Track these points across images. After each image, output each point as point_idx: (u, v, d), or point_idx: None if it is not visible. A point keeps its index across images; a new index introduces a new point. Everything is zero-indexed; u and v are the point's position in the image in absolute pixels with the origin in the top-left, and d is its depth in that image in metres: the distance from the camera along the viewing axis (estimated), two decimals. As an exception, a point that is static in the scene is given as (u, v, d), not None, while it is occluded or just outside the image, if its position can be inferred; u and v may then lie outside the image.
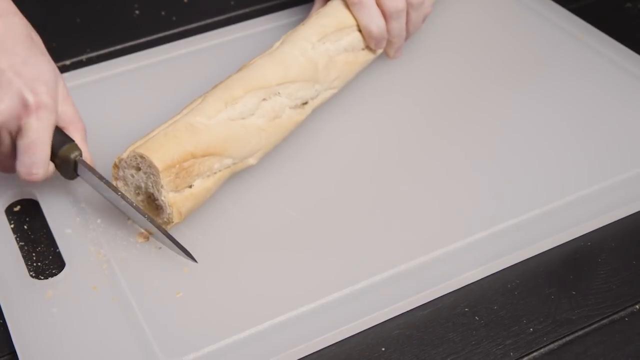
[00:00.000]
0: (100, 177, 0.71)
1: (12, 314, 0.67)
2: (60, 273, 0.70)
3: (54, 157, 0.72)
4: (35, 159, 0.70)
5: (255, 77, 0.76)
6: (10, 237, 0.74)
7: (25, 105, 0.68)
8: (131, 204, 0.70)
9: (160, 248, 0.72)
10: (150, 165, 0.69)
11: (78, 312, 0.67)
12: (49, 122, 0.70)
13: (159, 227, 0.70)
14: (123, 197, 0.70)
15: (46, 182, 0.78)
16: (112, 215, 0.75)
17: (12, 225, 0.76)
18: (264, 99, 0.76)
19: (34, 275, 0.71)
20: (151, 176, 0.69)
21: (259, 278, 0.70)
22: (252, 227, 0.74)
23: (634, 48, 0.94)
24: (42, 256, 0.73)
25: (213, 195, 0.75)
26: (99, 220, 0.74)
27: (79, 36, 0.99)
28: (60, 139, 0.72)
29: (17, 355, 0.64)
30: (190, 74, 0.91)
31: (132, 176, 0.71)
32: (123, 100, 0.88)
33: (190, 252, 0.71)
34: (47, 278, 0.71)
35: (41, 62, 0.70)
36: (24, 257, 0.72)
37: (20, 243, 0.74)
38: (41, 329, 0.66)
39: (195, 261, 0.70)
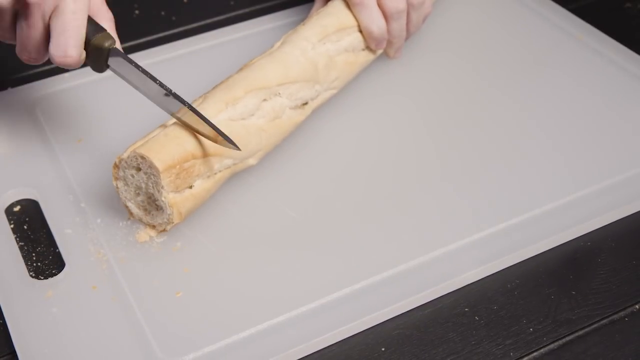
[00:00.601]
0: (136, 65, 0.71)
1: (12, 313, 0.67)
2: (60, 273, 0.70)
3: (86, 46, 0.70)
4: (72, 40, 0.68)
5: (255, 77, 0.76)
6: (10, 237, 0.74)
7: None
8: (169, 91, 0.69)
9: (160, 248, 0.72)
10: (151, 166, 0.69)
11: (78, 311, 0.67)
12: (85, 3, 0.69)
13: (199, 115, 0.69)
14: (161, 84, 0.70)
15: (46, 182, 0.78)
16: (112, 215, 0.75)
17: (12, 225, 0.76)
18: (265, 100, 0.76)
19: (33, 275, 0.71)
20: (152, 177, 0.69)
21: (258, 278, 0.70)
22: (251, 227, 0.74)
23: (634, 48, 0.94)
24: (42, 256, 0.73)
25: (213, 196, 0.75)
26: (98, 220, 0.74)
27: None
28: (93, 27, 0.70)
29: (17, 355, 0.64)
30: (190, 74, 0.91)
31: (133, 176, 0.71)
32: (123, 100, 0.88)
33: (190, 252, 0.71)
34: (47, 278, 0.71)
35: None
36: (23, 257, 0.72)
37: (20, 243, 0.74)
38: (41, 328, 0.66)
39: (239, 149, 0.71)
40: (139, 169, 0.70)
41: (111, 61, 0.72)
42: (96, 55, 0.71)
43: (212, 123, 0.70)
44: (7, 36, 0.71)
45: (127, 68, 0.71)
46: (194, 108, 0.70)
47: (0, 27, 0.70)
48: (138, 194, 0.72)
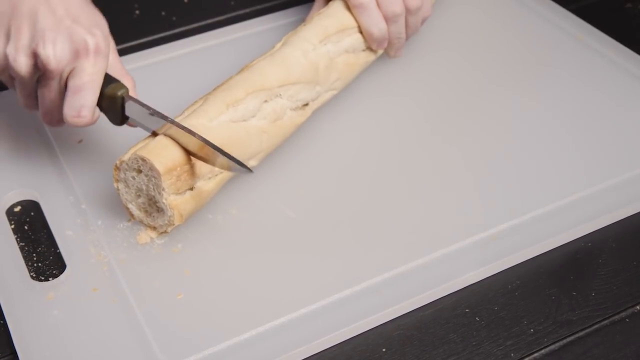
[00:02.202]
0: (152, 111, 0.71)
1: (13, 315, 0.67)
2: (61, 274, 0.70)
3: (101, 98, 0.71)
4: (85, 101, 0.69)
5: (256, 78, 0.76)
6: (11, 238, 0.74)
7: (84, 48, 0.68)
8: (189, 131, 0.69)
9: (161, 250, 0.72)
10: (152, 168, 0.69)
11: (79, 313, 0.67)
12: (103, 67, 0.70)
13: (214, 147, 0.69)
14: (178, 125, 0.69)
15: (47, 183, 0.78)
16: (113, 217, 0.75)
17: (13, 226, 0.76)
18: (265, 101, 0.76)
19: (34, 276, 0.71)
20: (152, 179, 0.69)
21: (259, 279, 0.70)
22: (252, 228, 0.74)
23: (634, 48, 0.94)
24: (43, 257, 0.73)
25: (214, 197, 0.75)
26: (99, 222, 0.74)
27: (79, 36, 0.99)
28: (108, 80, 0.71)
29: (17, 356, 0.64)
30: (191, 75, 0.91)
31: (133, 178, 0.71)
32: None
33: (191, 252, 0.71)
34: (47, 279, 0.71)
35: (95, 13, 0.72)
36: (24, 258, 0.72)
37: (21, 244, 0.74)
38: (42, 330, 0.66)
39: (251, 171, 0.71)
40: (139, 171, 0.70)
41: (128, 109, 0.72)
42: (112, 107, 0.71)
43: (231, 156, 0.70)
44: (31, 104, 0.73)
45: (142, 114, 0.71)
46: (213, 144, 0.69)
47: (23, 95, 0.72)
48: (139, 196, 0.72)
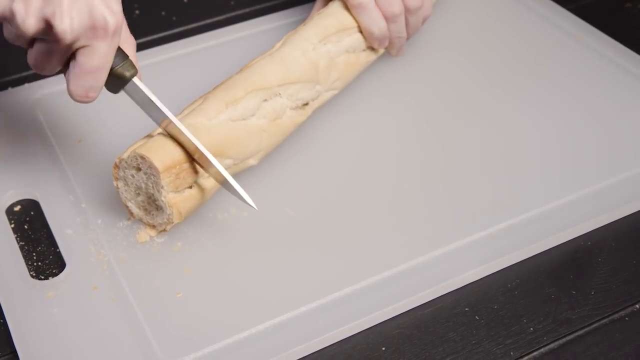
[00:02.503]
0: (152, 101, 0.69)
1: (13, 313, 0.67)
2: (61, 273, 0.70)
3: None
4: (95, 83, 0.66)
5: (256, 78, 0.76)
6: (11, 237, 0.74)
7: (103, 27, 0.63)
8: (185, 131, 0.68)
9: (160, 248, 0.72)
10: (151, 166, 0.69)
11: (79, 312, 0.67)
12: (117, 46, 0.66)
13: (216, 164, 0.69)
14: (172, 119, 0.69)
15: (47, 182, 0.78)
16: (113, 215, 0.75)
17: (13, 225, 0.76)
18: (265, 100, 0.76)
19: (34, 275, 0.71)
20: (151, 177, 0.69)
21: (259, 278, 0.70)
22: (252, 227, 0.74)
23: (634, 48, 0.94)
24: (43, 256, 0.73)
25: (213, 195, 0.75)
26: (99, 221, 0.74)
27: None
28: (118, 55, 0.68)
29: (17, 355, 0.64)
30: (191, 74, 0.91)
31: (133, 176, 0.71)
32: (123, 101, 0.88)
33: (190, 250, 0.71)
34: (47, 278, 0.71)
35: None
36: (24, 257, 0.72)
37: (21, 243, 0.74)
38: (42, 328, 0.66)
39: (255, 207, 0.70)
40: (139, 169, 0.70)
41: (129, 88, 0.70)
42: (115, 81, 0.69)
43: (222, 168, 0.69)
44: (21, 43, 0.67)
45: (142, 97, 0.70)
46: (206, 151, 0.69)
47: (15, 37, 0.66)
48: (138, 194, 0.72)
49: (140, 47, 0.96)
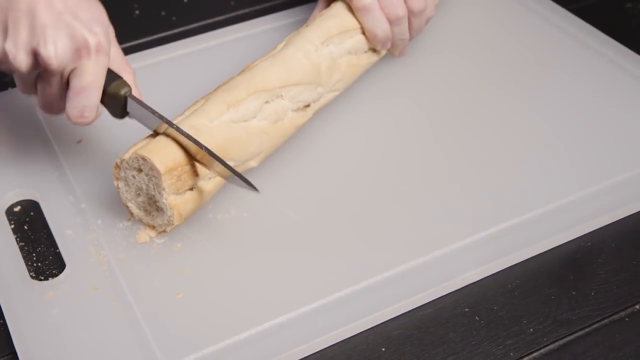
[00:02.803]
0: (152, 111, 0.70)
1: (13, 314, 0.67)
2: (61, 274, 0.70)
3: (103, 95, 0.70)
4: (88, 102, 0.69)
5: (258, 79, 0.76)
6: (11, 238, 0.74)
7: (85, 47, 0.67)
8: (187, 136, 0.69)
9: (160, 249, 0.72)
10: (152, 168, 0.69)
11: (78, 312, 0.67)
12: (105, 65, 0.69)
13: (219, 159, 0.69)
14: (178, 129, 0.69)
15: (47, 182, 0.78)
16: (113, 216, 0.75)
17: (13, 226, 0.76)
18: (267, 102, 0.76)
19: (34, 276, 0.71)
20: (153, 178, 0.69)
21: (259, 279, 0.70)
22: (252, 228, 0.74)
23: (634, 48, 0.94)
24: (43, 257, 0.73)
25: (214, 197, 0.75)
26: (99, 221, 0.74)
27: (79, 36, 0.99)
28: (110, 77, 0.70)
29: (17, 355, 0.64)
30: (191, 75, 0.91)
31: (134, 177, 0.71)
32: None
33: (190, 251, 0.71)
34: (47, 279, 0.71)
35: (95, 5, 0.70)
36: (24, 257, 0.72)
37: (21, 244, 0.74)
38: (42, 329, 0.66)
39: (257, 191, 0.71)
40: (140, 170, 0.70)
41: (129, 106, 0.72)
42: (113, 103, 0.71)
43: (231, 167, 0.70)
44: (30, 91, 0.72)
45: (143, 113, 0.71)
46: (211, 152, 0.70)
47: (22, 85, 0.71)
48: (139, 195, 0.72)
49: (140, 47, 0.97)
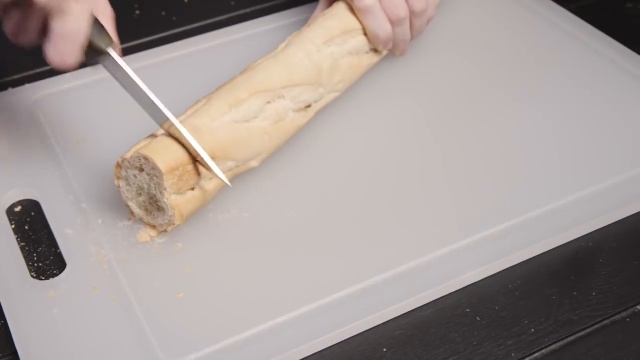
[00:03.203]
0: (126, 73, 0.70)
1: (13, 314, 0.67)
2: (61, 273, 0.70)
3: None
4: (71, 47, 0.66)
5: (259, 79, 0.76)
6: (11, 238, 0.74)
7: None
8: (155, 102, 0.69)
9: (161, 248, 0.72)
10: (154, 167, 0.69)
11: (79, 312, 0.67)
12: (90, 9, 0.67)
13: (183, 131, 0.69)
14: (147, 93, 0.69)
15: (47, 182, 0.78)
16: (113, 216, 0.75)
17: (13, 226, 0.76)
18: (268, 102, 0.76)
19: (34, 275, 0.71)
20: (154, 178, 0.69)
21: (260, 278, 0.70)
22: (253, 227, 0.74)
23: (634, 48, 0.94)
24: (43, 256, 0.73)
25: (215, 196, 0.75)
26: (99, 221, 0.74)
27: (79, 36, 0.99)
28: (94, 25, 0.68)
29: (18, 355, 0.64)
30: (191, 75, 0.91)
31: (135, 177, 0.71)
32: (123, 100, 0.88)
33: (191, 250, 0.71)
34: (48, 278, 0.70)
35: None
36: (24, 257, 0.72)
37: (21, 243, 0.74)
38: (42, 329, 0.66)
39: (229, 184, 0.71)
40: (141, 170, 0.70)
41: (106, 60, 0.70)
42: (92, 53, 0.69)
43: (196, 144, 0.69)
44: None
45: (119, 71, 0.70)
46: (180, 125, 0.70)
47: None
48: (140, 194, 0.72)
49: (140, 47, 0.97)
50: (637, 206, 0.77)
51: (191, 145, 0.70)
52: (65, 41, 0.66)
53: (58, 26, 0.65)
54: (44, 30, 0.67)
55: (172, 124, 0.70)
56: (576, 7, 1.02)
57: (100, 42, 0.69)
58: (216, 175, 0.71)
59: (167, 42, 0.97)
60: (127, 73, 0.70)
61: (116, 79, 0.71)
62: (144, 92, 0.70)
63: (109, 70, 0.71)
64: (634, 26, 1.02)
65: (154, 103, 0.70)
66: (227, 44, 0.96)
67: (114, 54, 0.70)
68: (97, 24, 0.69)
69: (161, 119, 0.71)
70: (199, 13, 1.04)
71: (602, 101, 0.88)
